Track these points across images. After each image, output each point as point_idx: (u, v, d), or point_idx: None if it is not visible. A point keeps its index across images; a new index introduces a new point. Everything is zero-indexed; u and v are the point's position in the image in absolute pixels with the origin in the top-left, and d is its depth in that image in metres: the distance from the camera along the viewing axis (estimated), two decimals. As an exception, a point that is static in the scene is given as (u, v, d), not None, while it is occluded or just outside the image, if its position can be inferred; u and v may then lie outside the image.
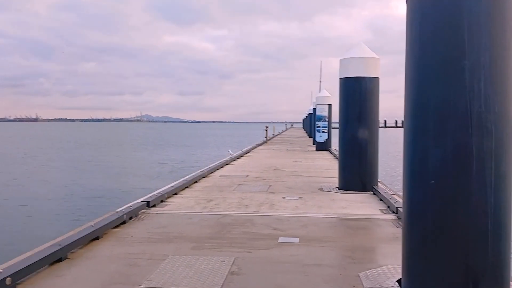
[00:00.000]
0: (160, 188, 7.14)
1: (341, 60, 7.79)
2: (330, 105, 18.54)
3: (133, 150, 41.45)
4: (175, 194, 7.08)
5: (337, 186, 7.98)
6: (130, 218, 5.28)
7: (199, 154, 36.43)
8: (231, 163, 12.58)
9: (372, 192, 7.34)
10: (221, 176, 9.58)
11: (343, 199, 6.79)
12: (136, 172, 23.18)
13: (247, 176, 9.60)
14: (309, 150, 18.63)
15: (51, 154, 35.34)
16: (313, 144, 21.38)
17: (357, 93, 7.55)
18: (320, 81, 77.21)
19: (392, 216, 5.55)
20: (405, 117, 2.93)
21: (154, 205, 6.07)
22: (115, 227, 4.89)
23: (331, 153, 16.41)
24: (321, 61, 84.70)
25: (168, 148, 45.67)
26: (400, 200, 6.10)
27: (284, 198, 6.86)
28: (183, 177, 8.67)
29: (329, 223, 5.28)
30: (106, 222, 4.70)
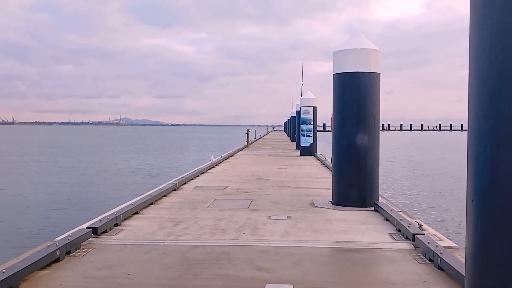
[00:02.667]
0: (116, 207, 5.84)
1: (335, 53, 6.60)
2: (315, 108, 17.39)
3: (108, 155, 39.69)
4: (136, 213, 5.78)
5: (331, 200, 6.79)
6: (68, 253, 3.99)
7: (178, 159, 34.96)
8: (208, 171, 11.29)
9: (373, 209, 6.16)
10: (195, 188, 8.29)
11: (341, 219, 5.58)
12: (107, 180, 21.61)
13: (226, 188, 8.33)
14: (293, 156, 17.44)
15: (19, 160, 33.44)
16: (297, 148, 20.23)
17: (355, 91, 6.37)
18: (302, 84, 76.38)
19: (407, 245, 4.36)
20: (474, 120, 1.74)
21: (105, 231, 4.77)
22: (43, 268, 3.59)
23: (317, 158, 15.24)
24: (302, 63, 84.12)
25: (145, 152, 44.02)
26: (413, 222, 4.92)
27: (269, 218, 5.62)
28: (151, 190, 7.36)
29: (329, 257, 4.06)
30: (28, 264, 3.40)
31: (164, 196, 7.16)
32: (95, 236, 4.58)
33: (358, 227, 5.14)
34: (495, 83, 1.58)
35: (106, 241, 4.46)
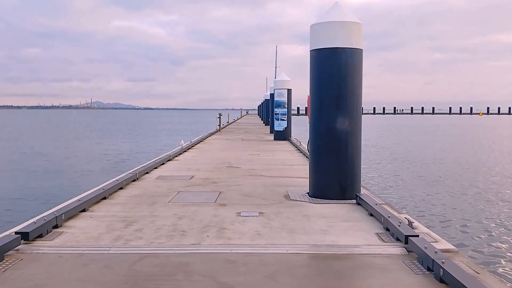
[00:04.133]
0: (60, 204, 5.03)
1: (312, 26, 5.86)
2: (289, 90, 16.68)
3: (75, 140, 38.24)
4: (83, 211, 4.98)
5: (308, 192, 6.12)
6: (-14, 267, 3.19)
7: (148, 144, 33.86)
8: (176, 158, 10.48)
9: (355, 202, 5.51)
10: (158, 178, 7.50)
11: (320, 215, 4.90)
12: (70, 167, 20.51)
13: (192, 177, 7.57)
14: (266, 140, 16.76)
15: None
16: (271, 132, 19.56)
17: (335, 70, 5.65)
18: (276, 67, 75.59)
19: (399, 249, 3.70)
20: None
21: (41, 235, 3.97)
22: None
23: (292, 143, 14.59)
24: (276, 46, 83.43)
25: (114, 137, 42.67)
26: (402, 219, 4.28)
27: (239, 214, 4.90)
28: (106, 182, 6.55)
29: (308, 267, 3.37)
30: None
31: (121, 188, 6.36)
32: (26, 242, 3.78)
33: (339, 225, 4.47)
34: None
35: (39, 249, 3.67)
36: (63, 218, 4.44)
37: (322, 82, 5.80)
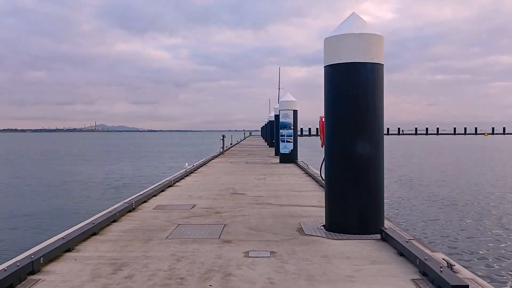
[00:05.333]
0: (43, 242, 4.37)
1: (327, 40, 5.26)
2: (295, 111, 16.10)
3: (77, 163, 37.67)
4: (68, 250, 4.31)
5: (323, 224, 5.44)
6: None
7: (151, 167, 33.24)
8: (177, 183, 9.82)
9: (379, 237, 4.83)
10: (156, 207, 6.84)
11: (342, 255, 4.21)
12: (67, 192, 19.84)
13: (194, 206, 6.90)
14: (272, 163, 16.09)
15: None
16: (276, 155, 18.92)
17: (354, 87, 5.03)
18: (279, 88, 75.37)
19: (446, 302, 3.01)
20: None
21: (11, 286, 3.30)
22: None
23: (299, 166, 13.92)
24: (279, 67, 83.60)
25: (117, 160, 42.09)
26: (440, 260, 3.60)
27: (247, 254, 4.22)
28: (98, 213, 5.89)
29: (337, 330, 2.69)
30: None
31: (114, 221, 5.69)
32: (-10, 297, 3.11)
33: (367, 269, 3.78)
34: None
35: (5, 306, 3.00)
36: (41, 261, 3.77)
37: (338, 101, 5.18)
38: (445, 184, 20.72)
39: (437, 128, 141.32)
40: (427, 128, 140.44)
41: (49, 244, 4.19)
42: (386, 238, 4.67)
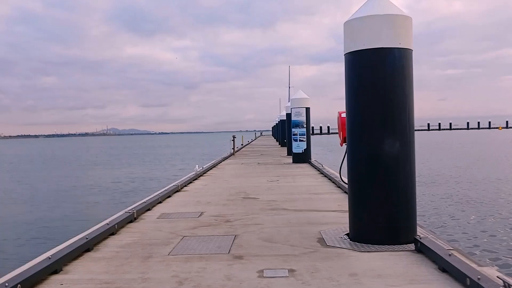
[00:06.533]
0: (28, 263, 3.79)
1: (347, 24, 4.62)
2: (308, 109, 15.45)
3: (89, 167, 37.36)
4: (55, 272, 3.72)
5: (347, 233, 4.81)
6: None
7: (161, 169, 32.77)
8: (184, 188, 9.23)
9: (413, 247, 4.18)
10: (160, 216, 6.24)
11: (373, 272, 3.57)
12: (76, 197, 19.40)
13: (201, 214, 6.30)
14: (284, 163, 15.45)
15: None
16: (288, 154, 18.28)
17: (380, 76, 4.38)
18: (289, 87, 74.71)
19: None
20: None
21: (-24, 324, 2.73)
22: None
23: (313, 166, 13.27)
24: (289, 66, 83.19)
25: (127, 163, 41.74)
26: (494, 277, 2.95)
27: (261, 274, 3.60)
28: (94, 226, 5.31)
29: None
30: None
31: (112, 234, 5.11)
32: None
33: (406, 291, 3.14)
34: None
35: None
36: (29, 284, 3.19)
37: (362, 93, 4.53)
38: (477, 182, 19.64)
39: (450, 123, 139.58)
40: (439, 124, 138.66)
41: (31, 267, 3.60)
42: (422, 249, 4.02)
